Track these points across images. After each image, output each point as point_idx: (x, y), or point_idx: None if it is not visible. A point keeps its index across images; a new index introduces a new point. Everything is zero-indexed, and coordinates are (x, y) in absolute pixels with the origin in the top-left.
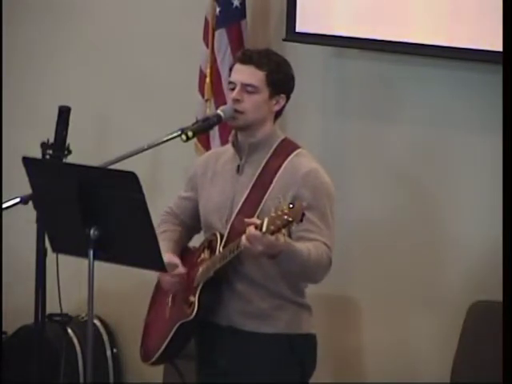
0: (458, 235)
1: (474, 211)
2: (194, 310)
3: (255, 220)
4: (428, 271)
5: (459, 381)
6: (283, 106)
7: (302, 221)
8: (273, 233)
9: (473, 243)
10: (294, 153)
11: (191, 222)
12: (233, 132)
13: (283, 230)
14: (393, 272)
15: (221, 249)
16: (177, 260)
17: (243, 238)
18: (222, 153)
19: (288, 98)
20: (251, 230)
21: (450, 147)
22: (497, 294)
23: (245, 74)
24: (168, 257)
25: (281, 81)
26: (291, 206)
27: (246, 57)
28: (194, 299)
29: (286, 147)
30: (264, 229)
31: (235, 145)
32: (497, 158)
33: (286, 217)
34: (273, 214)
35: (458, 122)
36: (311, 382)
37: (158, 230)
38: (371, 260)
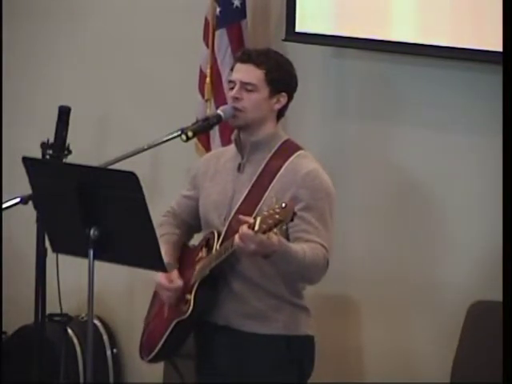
0: (458, 235)
1: (474, 211)
2: (189, 307)
3: (249, 219)
4: (428, 271)
5: (459, 381)
6: (285, 105)
7: (292, 220)
8: (264, 232)
9: (473, 243)
10: (296, 154)
11: (192, 221)
12: (235, 131)
13: (275, 229)
14: (393, 272)
15: (217, 247)
16: (174, 275)
17: (236, 236)
18: (224, 152)
19: (290, 97)
20: (244, 228)
21: (450, 147)
22: (497, 294)
23: (244, 72)
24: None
25: (281, 79)
26: (283, 205)
27: (245, 56)
28: (190, 297)
29: (288, 148)
30: (256, 228)
31: (237, 143)
32: (497, 158)
33: (277, 216)
34: (265, 213)
35: (457, 122)
36: (311, 382)
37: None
38: (371, 260)
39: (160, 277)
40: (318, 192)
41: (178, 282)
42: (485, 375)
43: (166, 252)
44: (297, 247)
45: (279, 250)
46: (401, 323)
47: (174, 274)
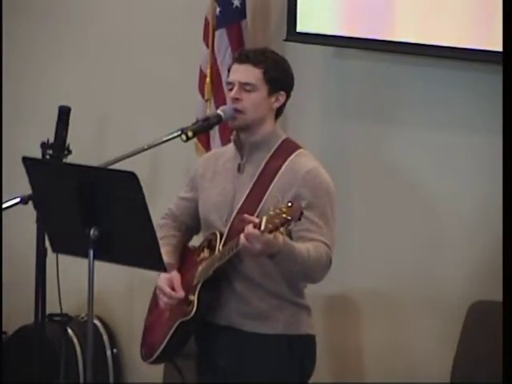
0: (458, 235)
1: (474, 211)
2: (193, 308)
3: (254, 218)
4: (428, 271)
5: (459, 381)
6: (283, 104)
7: (300, 219)
8: (271, 231)
9: (473, 243)
10: (295, 153)
11: (191, 223)
12: (234, 131)
13: (281, 229)
14: (393, 272)
15: (220, 248)
16: (177, 283)
17: (242, 236)
18: (223, 152)
19: (288, 95)
20: (249, 228)
21: (450, 147)
22: (497, 294)
23: (242, 72)
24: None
25: (279, 78)
26: (290, 204)
27: (242, 56)
28: (194, 298)
29: (287, 147)
30: (262, 227)
31: (236, 143)
32: (497, 158)
33: (284, 215)
34: (271, 213)
35: (458, 122)
36: (311, 381)
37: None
38: (371, 260)
39: (162, 281)
40: (318, 190)
41: (181, 293)
42: (485, 375)
43: (166, 253)
44: (301, 246)
45: (284, 249)
46: (401, 323)
47: (177, 281)
